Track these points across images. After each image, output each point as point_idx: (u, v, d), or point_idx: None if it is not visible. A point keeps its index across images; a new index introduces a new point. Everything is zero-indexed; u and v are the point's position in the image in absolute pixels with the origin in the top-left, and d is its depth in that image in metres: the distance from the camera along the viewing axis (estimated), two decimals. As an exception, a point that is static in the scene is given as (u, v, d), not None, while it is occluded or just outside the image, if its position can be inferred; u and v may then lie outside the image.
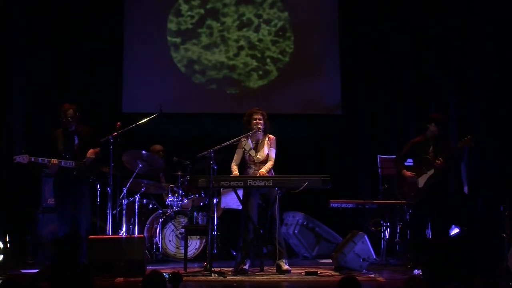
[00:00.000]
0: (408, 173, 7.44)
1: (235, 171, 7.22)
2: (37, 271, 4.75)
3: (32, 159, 7.10)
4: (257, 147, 7.27)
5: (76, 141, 7.37)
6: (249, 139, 7.28)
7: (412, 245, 7.62)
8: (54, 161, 7.12)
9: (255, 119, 7.20)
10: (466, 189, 8.93)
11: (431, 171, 7.34)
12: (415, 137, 7.82)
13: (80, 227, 7.27)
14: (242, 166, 7.32)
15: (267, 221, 7.10)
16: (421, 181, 7.39)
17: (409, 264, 7.35)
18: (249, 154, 7.24)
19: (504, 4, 8.90)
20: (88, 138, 7.38)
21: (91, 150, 7.29)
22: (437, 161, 7.29)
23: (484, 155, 8.87)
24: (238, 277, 6.71)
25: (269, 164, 7.19)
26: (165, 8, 9.72)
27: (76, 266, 4.97)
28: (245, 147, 7.27)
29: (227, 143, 7.10)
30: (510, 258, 6.34)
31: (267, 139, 7.28)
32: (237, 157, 7.28)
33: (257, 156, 7.23)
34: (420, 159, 7.44)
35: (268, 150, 7.24)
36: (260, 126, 7.17)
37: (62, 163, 7.16)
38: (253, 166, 7.23)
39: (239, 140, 7.25)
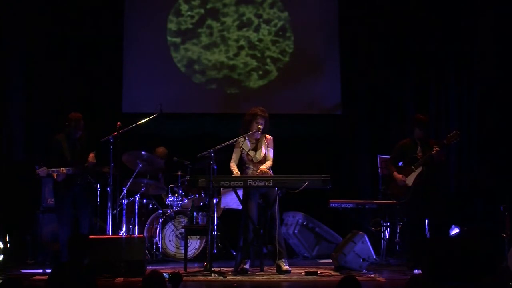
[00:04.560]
0: (399, 176, 7.44)
1: (235, 170, 7.20)
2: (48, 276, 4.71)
3: (50, 172, 7.16)
4: (255, 147, 7.27)
5: (78, 147, 7.39)
6: (247, 139, 7.28)
7: (410, 245, 7.60)
8: (63, 170, 7.17)
9: (258, 122, 7.19)
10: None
11: (419, 169, 7.35)
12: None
13: (80, 227, 7.29)
14: (240, 166, 7.30)
15: (267, 221, 7.09)
16: (410, 180, 7.40)
17: (410, 264, 7.34)
18: (248, 154, 7.23)
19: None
20: (86, 141, 7.42)
21: (91, 154, 7.32)
22: (433, 151, 7.27)
23: (484, 154, 8.87)
24: (238, 277, 6.70)
25: (268, 163, 7.18)
26: (165, 8, 9.72)
27: (80, 266, 4.96)
28: (243, 146, 7.25)
29: (227, 143, 7.09)
30: (510, 258, 6.34)
31: (264, 139, 7.28)
32: (235, 156, 7.26)
33: (256, 156, 7.22)
34: (408, 158, 7.45)
35: (265, 150, 7.24)
36: (260, 126, 7.16)
37: (71, 171, 7.19)
38: (251, 166, 7.23)
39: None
